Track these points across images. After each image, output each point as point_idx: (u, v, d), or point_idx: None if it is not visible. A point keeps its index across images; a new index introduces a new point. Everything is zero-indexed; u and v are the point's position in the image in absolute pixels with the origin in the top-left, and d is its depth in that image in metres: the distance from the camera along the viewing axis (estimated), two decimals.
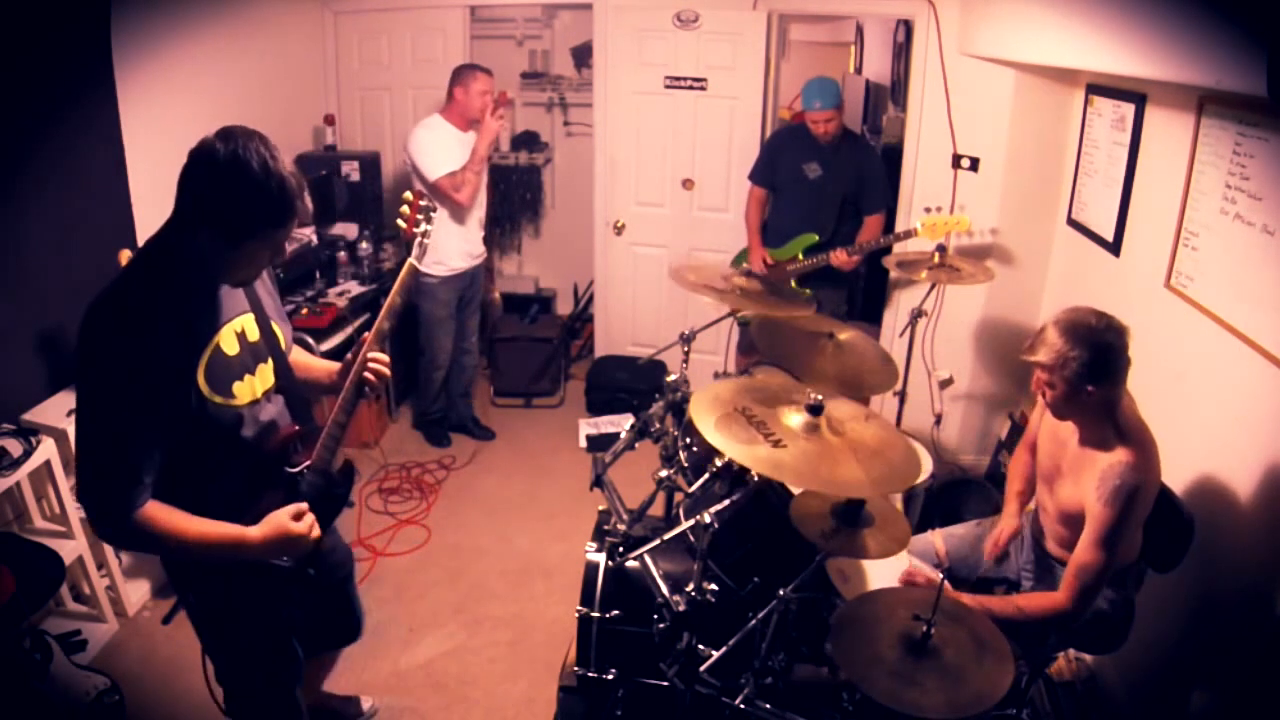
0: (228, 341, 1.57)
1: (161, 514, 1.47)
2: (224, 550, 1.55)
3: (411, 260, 1.85)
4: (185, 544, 1.51)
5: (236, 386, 1.58)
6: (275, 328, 1.71)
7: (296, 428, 1.72)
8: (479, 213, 3.90)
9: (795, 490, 2.09)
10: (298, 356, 1.89)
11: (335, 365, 1.89)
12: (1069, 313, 1.90)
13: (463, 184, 3.59)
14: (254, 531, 1.56)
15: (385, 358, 1.79)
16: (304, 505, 1.64)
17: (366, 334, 1.80)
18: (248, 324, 1.63)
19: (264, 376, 1.65)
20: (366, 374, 1.77)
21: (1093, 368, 1.83)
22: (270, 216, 1.43)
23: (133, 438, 1.42)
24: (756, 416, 1.79)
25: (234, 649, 1.83)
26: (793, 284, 3.71)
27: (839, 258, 3.58)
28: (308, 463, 1.73)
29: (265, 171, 1.39)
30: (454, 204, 3.62)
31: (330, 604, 2.10)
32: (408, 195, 1.96)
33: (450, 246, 3.76)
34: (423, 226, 1.91)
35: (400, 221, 1.94)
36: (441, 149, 3.58)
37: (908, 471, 1.73)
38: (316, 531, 1.65)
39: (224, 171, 1.38)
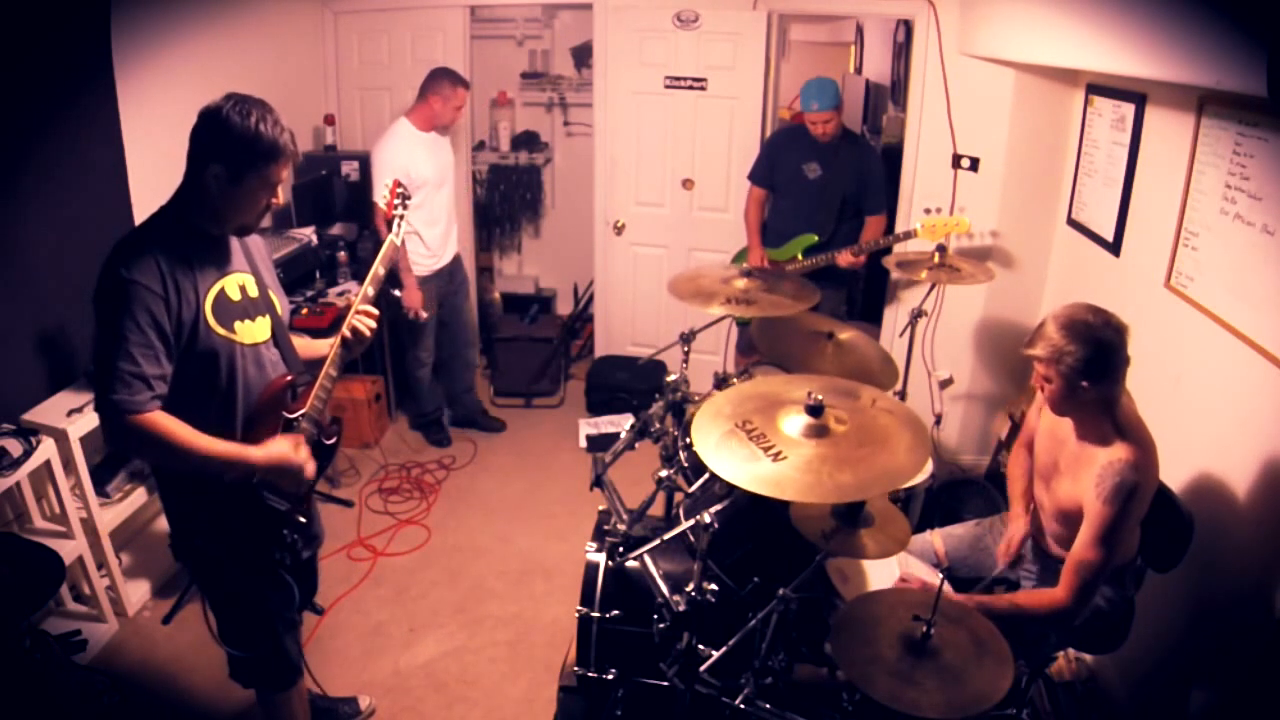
0: (231, 288, 1.80)
1: (168, 422, 1.66)
2: (225, 464, 1.72)
3: (391, 237, 2.10)
4: (189, 453, 1.67)
5: (238, 325, 1.79)
6: (272, 295, 1.92)
7: (291, 376, 1.90)
8: (451, 217, 3.94)
9: None
10: (300, 341, 2.06)
11: (335, 339, 2.03)
12: (1068, 308, 1.90)
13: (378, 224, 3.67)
14: (256, 451, 1.75)
15: (374, 310, 1.99)
16: (301, 437, 1.84)
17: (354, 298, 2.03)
18: (248, 282, 1.85)
19: (262, 327, 1.85)
20: (355, 323, 1.95)
21: (1089, 364, 1.83)
22: (266, 150, 1.67)
23: (124, 344, 1.60)
24: (756, 428, 1.77)
25: (234, 590, 1.95)
26: None
27: (845, 258, 3.59)
28: (302, 410, 1.90)
29: (262, 116, 1.67)
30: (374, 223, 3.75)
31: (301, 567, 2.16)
32: (387, 181, 2.28)
33: (426, 245, 3.78)
34: (399, 210, 2.20)
35: (380, 203, 2.22)
36: (399, 173, 3.49)
37: (913, 462, 1.70)
38: (312, 465, 1.85)
39: (228, 114, 1.65)
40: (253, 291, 1.85)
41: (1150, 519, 1.95)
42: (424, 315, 3.79)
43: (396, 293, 3.71)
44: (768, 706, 1.87)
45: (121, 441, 1.68)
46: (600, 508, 2.28)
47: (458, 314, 4.14)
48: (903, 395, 3.23)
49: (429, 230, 3.78)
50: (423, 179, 3.66)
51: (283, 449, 1.79)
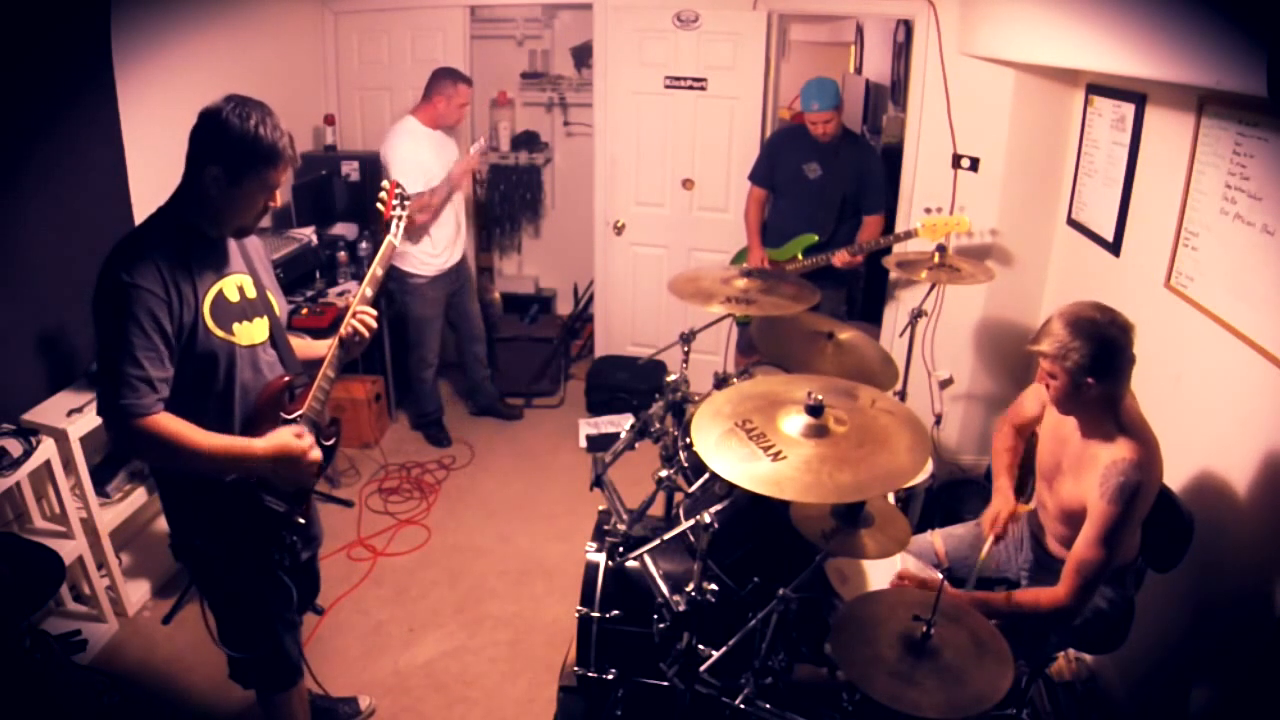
0: (229, 289, 1.80)
1: (174, 424, 1.66)
2: (231, 461, 1.73)
3: (390, 238, 2.11)
4: (196, 452, 1.67)
5: (236, 326, 1.79)
6: (270, 296, 1.91)
7: (288, 378, 1.90)
8: (460, 218, 3.94)
9: None
10: (299, 342, 2.07)
11: (333, 340, 2.03)
12: (1074, 306, 1.91)
13: (426, 207, 3.64)
14: (260, 444, 1.76)
15: (373, 311, 2.00)
16: (303, 426, 1.84)
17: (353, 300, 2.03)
18: (245, 283, 1.85)
19: (259, 328, 1.86)
20: (353, 323, 1.96)
21: (1094, 361, 1.83)
22: (265, 153, 1.67)
23: (128, 348, 1.60)
24: (756, 428, 1.77)
25: (233, 591, 1.95)
26: None
27: (841, 258, 3.59)
28: (300, 411, 1.89)
29: (262, 118, 1.67)
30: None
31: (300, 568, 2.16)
32: (385, 183, 2.25)
33: (434, 245, 3.79)
34: (398, 211, 2.19)
35: (379, 205, 2.22)
36: (415, 165, 3.58)
37: (913, 462, 1.70)
38: (317, 452, 1.84)
39: (228, 116, 1.65)
40: (250, 293, 1.85)
41: (1151, 519, 1.95)
42: (482, 145, 3.83)
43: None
44: (768, 706, 1.87)
45: (128, 445, 1.68)
46: (600, 508, 2.28)
47: (465, 314, 4.15)
48: (903, 395, 3.23)
49: (437, 230, 3.78)
50: (433, 176, 3.66)
51: (284, 438, 1.79)
